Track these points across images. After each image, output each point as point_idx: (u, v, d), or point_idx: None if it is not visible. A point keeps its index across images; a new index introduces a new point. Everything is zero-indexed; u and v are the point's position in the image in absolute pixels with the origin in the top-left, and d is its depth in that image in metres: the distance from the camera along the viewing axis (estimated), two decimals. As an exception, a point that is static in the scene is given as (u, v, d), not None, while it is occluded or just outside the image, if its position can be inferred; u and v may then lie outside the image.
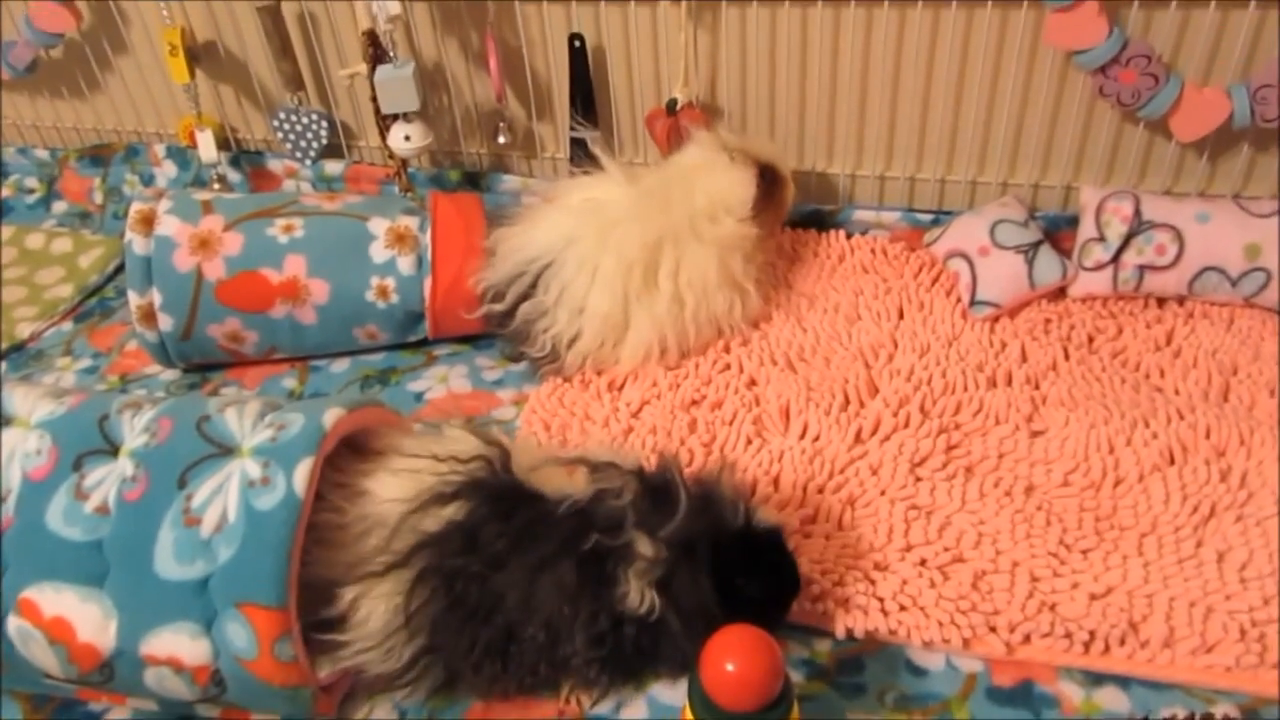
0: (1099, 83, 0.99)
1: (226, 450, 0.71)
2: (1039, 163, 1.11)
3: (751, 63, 1.12)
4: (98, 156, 1.38)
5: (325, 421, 0.72)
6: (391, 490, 0.73)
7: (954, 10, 1.02)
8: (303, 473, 0.69)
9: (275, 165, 1.32)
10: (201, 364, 1.07)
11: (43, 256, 1.28)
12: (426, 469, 0.74)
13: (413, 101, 1.09)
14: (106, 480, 0.71)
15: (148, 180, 1.36)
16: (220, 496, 0.69)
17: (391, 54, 1.08)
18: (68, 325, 1.17)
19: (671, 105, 1.13)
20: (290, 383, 1.06)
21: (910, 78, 1.08)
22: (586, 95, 1.16)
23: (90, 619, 0.69)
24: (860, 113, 1.13)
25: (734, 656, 0.59)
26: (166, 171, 1.35)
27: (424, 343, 1.10)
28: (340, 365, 1.08)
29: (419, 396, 1.03)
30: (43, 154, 1.40)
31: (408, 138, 1.13)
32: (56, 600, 0.70)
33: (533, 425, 0.96)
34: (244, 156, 1.32)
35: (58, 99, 1.40)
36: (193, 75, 1.24)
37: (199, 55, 1.26)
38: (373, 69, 1.12)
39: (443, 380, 1.05)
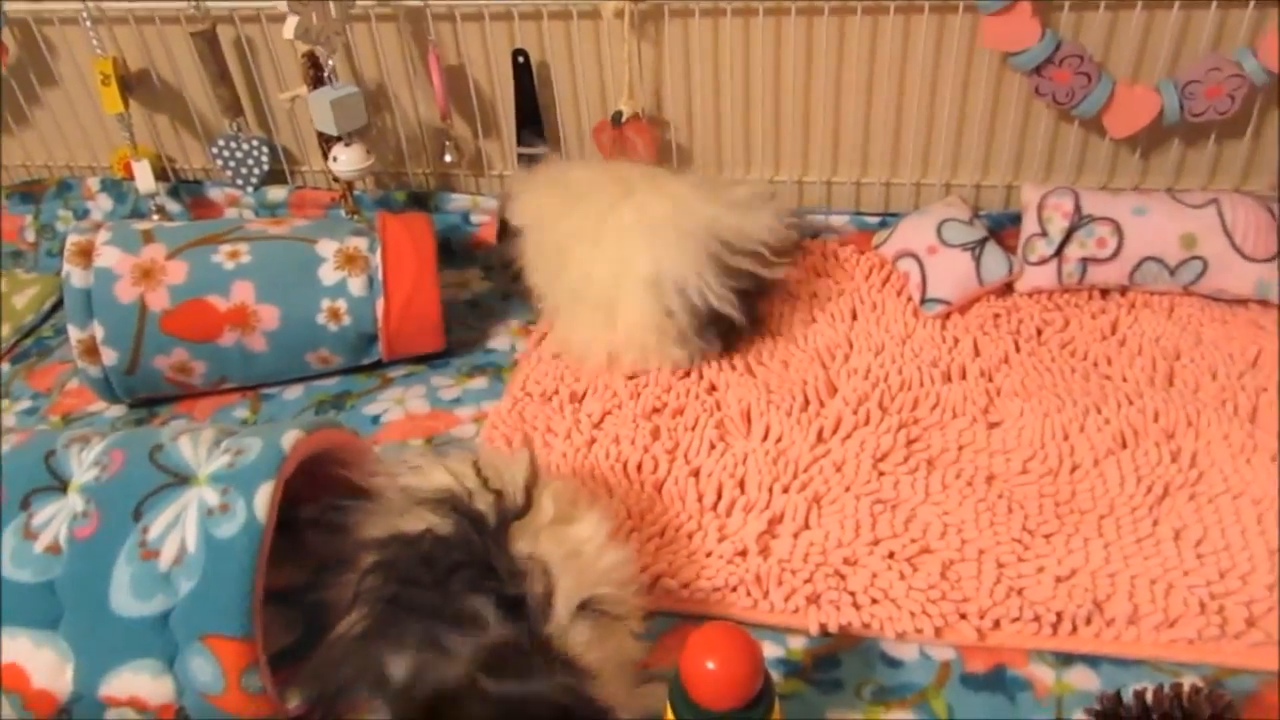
0: (1035, 83, 1.02)
1: (182, 479, 0.69)
2: (980, 163, 1.13)
3: (696, 74, 1.13)
4: (28, 193, 1.34)
5: (284, 444, 0.71)
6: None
7: (892, 17, 1.04)
8: (263, 497, 0.67)
9: (216, 194, 1.29)
10: (148, 398, 1.04)
11: (-26, 297, 1.24)
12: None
13: (333, 124, 1.07)
14: (56, 518, 0.69)
15: (81, 215, 1.32)
16: (178, 527, 0.67)
17: (328, 76, 1.07)
18: (4, 366, 1.13)
19: (617, 117, 1.13)
20: (242, 413, 1.04)
21: (852, 84, 1.11)
22: (533, 111, 1.17)
23: (45, 664, 0.67)
24: (805, 119, 1.14)
25: (714, 654, 0.59)
26: (102, 205, 1.31)
27: (378, 365, 1.08)
28: (293, 392, 1.06)
29: (375, 419, 1.01)
30: (-30, 192, 1.36)
31: (336, 159, 1.11)
32: (9, 646, 0.67)
33: (494, 440, 0.95)
34: (183, 186, 1.30)
35: (-15, 135, 1.36)
36: (126, 105, 1.21)
37: (132, 85, 1.24)
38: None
39: (399, 402, 1.03)
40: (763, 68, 1.11)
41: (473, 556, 0.66)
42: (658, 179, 1.04)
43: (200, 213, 1.30)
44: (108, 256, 0.98)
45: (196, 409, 1.04)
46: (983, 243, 1.05)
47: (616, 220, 0.99)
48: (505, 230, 1.13)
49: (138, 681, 0.66)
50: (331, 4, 1.03)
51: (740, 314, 0.99)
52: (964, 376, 0.97)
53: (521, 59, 1.13)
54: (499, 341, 1.12)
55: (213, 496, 0.68)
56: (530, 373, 1.04)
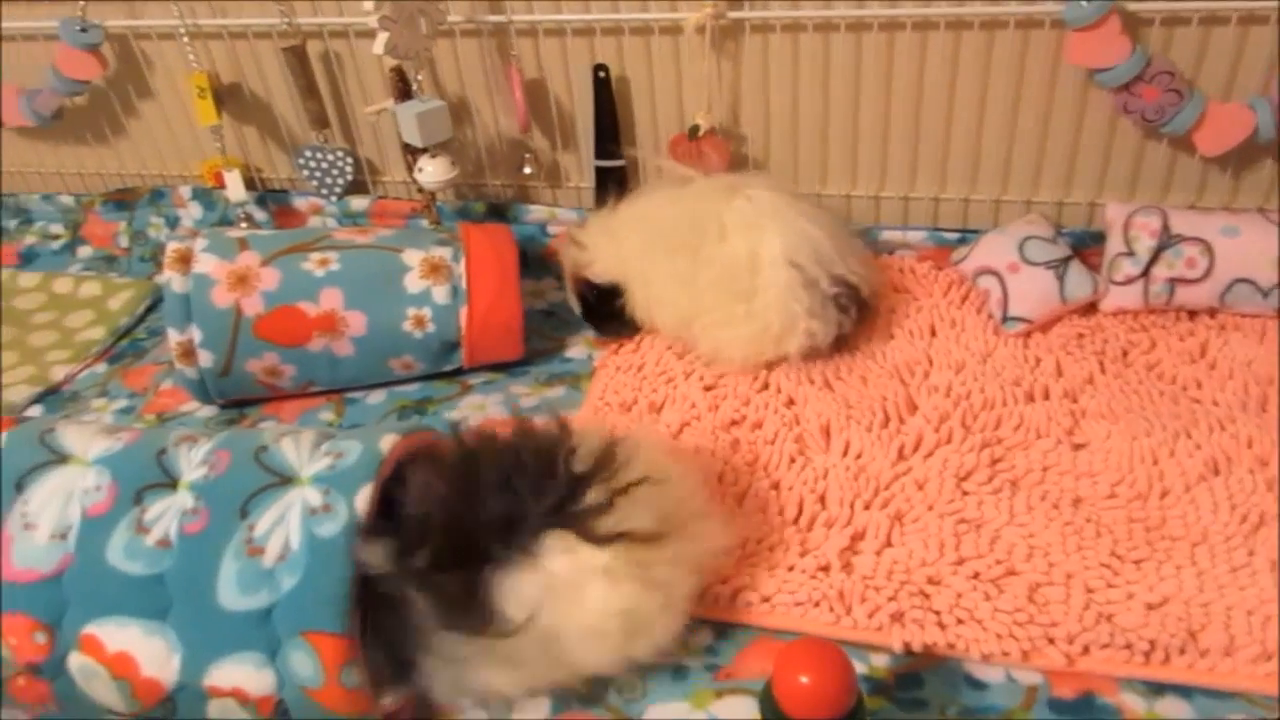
0: (1122, 100, 1.01)
1: (285, 480, 0.71)
2: (1062, 180, 1.12)
3: (774, 88, 1.14)
4: (122, 201, 1.39)
5: (382, 447, 0.73)
6: None
7: (976, 32, 1.04)
8: (363, 498, 0.69)
9: (300, 203, 1.33)
10: (239, 400, 1.07)
11: (71, 301, 1.28)
12: None
13: (419, 137, 1.10)
14: (167, 514, 0.71)
15: (173, 222, 1.37)
16: (282, 526, 0.69)
17: (415, 89, 1.10)
18: (101, 367, 1.18)
19: (694, 131, 1.14)
20: (327, 415, 1.06)
21: (933, 99, 1.10)
22: (610, 124, 1.18)
23: (153, 653, 0.69)
24: (884, 135, 1.14)
25: (808, 669, 0.59)
26: (192, 213, 1.36)
27: (457, 372, 1.10)
28: (376, 397, 1.08)
29: (456, 426, 1.03)
30: (67, 200, 1.42)
31: (422, 170, 1.14)
32: (120, 635, 0.70)
33: (574, 451, 0.96)
34: (269, 195, 1.34)
35: (81, 145, 1.42)
36: (219, 117, 1.25)
37: (224, 97, 1.28)
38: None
39: (479, 409, 1.05)
40: (842, 82, 1.11)
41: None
42: (747, 181, 1.06)
43: (284, 221, 1.34)
44: (205, 263, 1.01)
45: (283, 411, 1.07)
46: (1066, 261, 1.04)
47: (733, 215, 1.01)
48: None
49: (241, 673, 0.68)
50: (421, 20, 1.06)
51: (857, 297, 1.02)
52: (1047, 397, 0.96)
53: (602, 73, 1.15)
54: (575, 351, 1.13)
55: (315, 497, 0.70)
56: (609, 382, 1.05)
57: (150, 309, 1.27)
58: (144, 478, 0.73)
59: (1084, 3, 0.96)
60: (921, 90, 1.10)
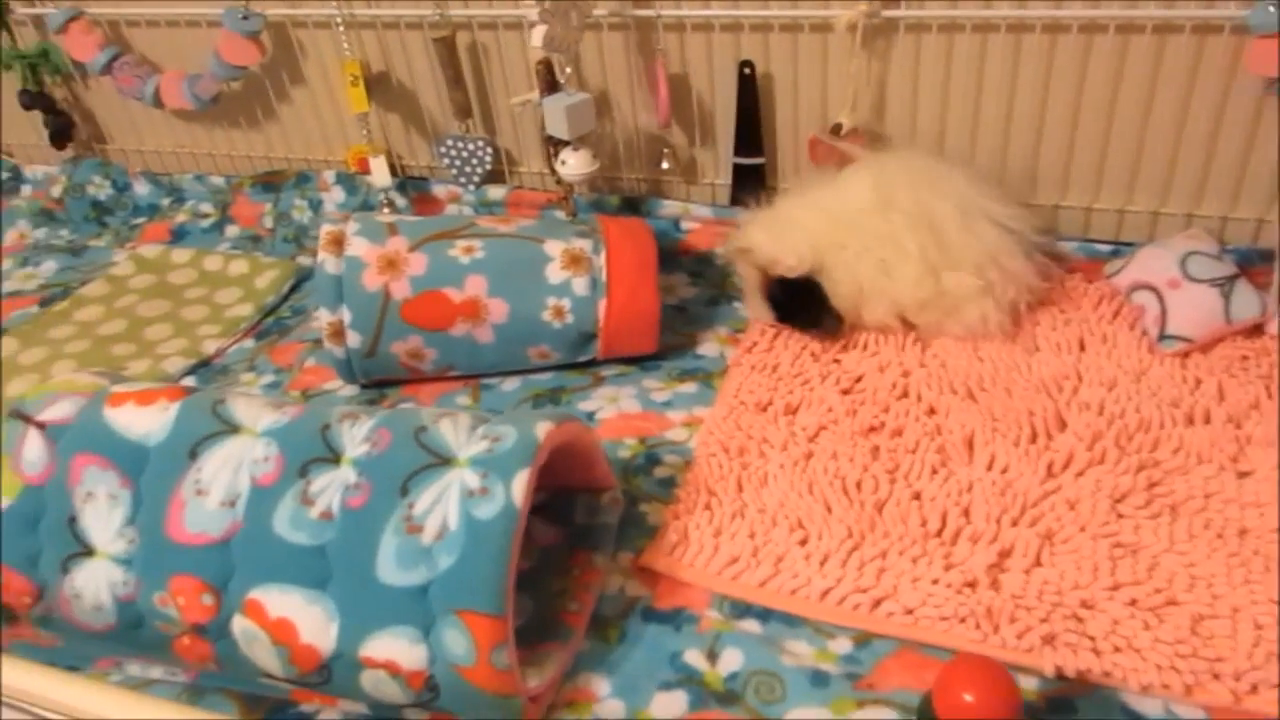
0: (1303, 111, 0.95)
1: (444, 460, 0.73)
2: (1228, 194, 1.07)
3: (923, 89, 1.11)
4: (269, 183, 1.45)
5: (538, 434, 0.74)
6: None
7: (1147, 36, 1.00)
8: (520, 484, 0.70)
9: (439, 190, 1.36)
10: (381, 380, 1.10)
11: (221, 278, 1.34)
12: None
13: (566, 129, 1.11)
14: (330, 487, 0.74)
15: (315, 205, 1.41)
16: (440, 505, 0.71)
17: (562, 83, 1.11)
18: (249, 342, 1.23)
19: (837, 129, 1.13)
20: (463, 400, 1.09)
21: (1093, 104, 1.06)
22: (752, 121, 1.18)
23: (313, 621, 0.72)
24: (1036, 139, 1.11)
25: (971, 687, 0.58)
26: (334, 197, 1.40)
27: (590, 364, 1.11)
28: (510, 384, 1.10)
29: (590, 416, 1.04)
30: (218, 181, 1.48)
31: (565, 163, 1.15)
32: (282, 602, 0.72)
33: (709, 447, 0.96)
34: (409, 182, 1.37)
35: (233, 129, 1.48)
36: (369, 105, 1.29)
37: (371, 85, 1.32)
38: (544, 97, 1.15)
39: (613, 401, 1.06)
40: (997, 84, 1.08)
41: None
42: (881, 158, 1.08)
43: (422, 208, 1.37)
44: (357, 246, 1.04)
45: (421, 393, 1.10)
46: (1233, 279, 0.99)
47: (890, 183, 1.02)
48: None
49: (395, 646, 0.70)
50: (572, 13, 1.07)
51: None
52: (1208, 420, 0.92)
53: (747, 70, 1.14)
54: (707, 348, 1.13)
55: (473, 479, 0.71)
56: (743, 381, 1.04)
57: (294, 288, 1.32)
58: (309, 451, 0.75)
59: (1271, 8, 0.91)
60: (1081, 95, 1.06)
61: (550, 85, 1.14)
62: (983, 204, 1.02)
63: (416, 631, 0.70)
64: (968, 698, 0.58)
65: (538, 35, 1.04)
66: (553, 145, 1.17)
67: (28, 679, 0.69)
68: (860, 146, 1.12)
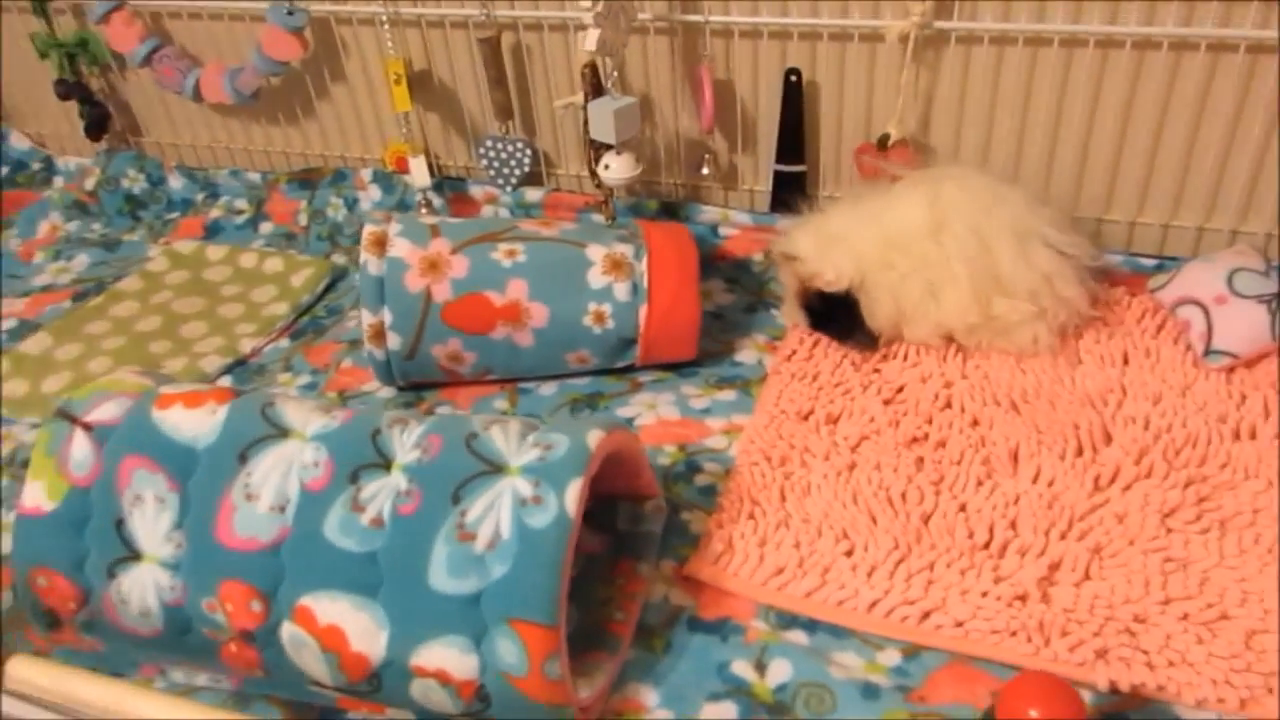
0: (1357, 127, 0.95)
1: (496, 468, 0.73)
2: (1273, 211, 1.06)
3: (971, 102, 1.11)
4: (306, 180, 1.45)
5: (590, 443, 0.74)
6: None
7: (1201, 54, 0.99)
8: (573, 493, 0.70)
9: (476, 191, 1.36)
10: (418, 383, 1.10)
11: (256, 275, 1.34)
12: None
13: (613, 134, 1.11)
14: (381, 494, 0.73)
15: (351, 204, 1.42)
16: (492, 513, 0.71)
17: (609, 86, 1.11)
18: (284, 341, 1.23)
19: (884, 140, 1.12)
20: (501, 404, 1.09)
21: (1142, 119, 1.06)
22: (796, 129, 1.17)
23: (363, 629, 0.71)
24: (1082, 153, 1.10)
25: (1037, 703, 0.58)
26: (371, 195, 1.41)
27: (628, 370, 1.11)
28: (548, 389, 1.10)
29: (629, 422, 1.04)
30: (254, 177, 1.48)
31: (608, 167, 1.15)
32: (332, 609, 0.72)
33: (751, 455, 0.96)
34: (446, 182, 1.37)
35: (271, 124, 1.48)
36: (411, 104, 1.29)
37: (412, 84, 1.32)
38: (587, 100, 1.15)
39: (651, 407, 1.06)
40: (1045, 98, 1.08)
41: None
42: (941, 176, 1.06)
43: (459, 208, 1.37)
44: (399, 248, 1.04)
45: (459, 397, 1.10)
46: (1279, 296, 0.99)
47: (945, 204, 1.01)
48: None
49: (446, 655, 0.70)
50: (621, 17, 1.06)
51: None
52: (1254, 436, 0.91)
53: (794, 78, 1.14)
54: (745, 355, 1.13)
55: (526, 487, 0.71)
56: (783, 390, 1.04)
57: (329, 287, 1.32)
58: (360, 457, 0.75)
59: (1326, 22, 0.91)
60: (1130, 110, 1.06)
61: (595, 88, 1.14)
62: (1040, 229, 1.01)
63: (468, 640, 0.70)
64: (1033, 714, 0.57)
65: (591, 39, 1.04)
66: (595, 149, 1.17)
67: (72, 684, 0.70)
68: (905, 162, 1.12)
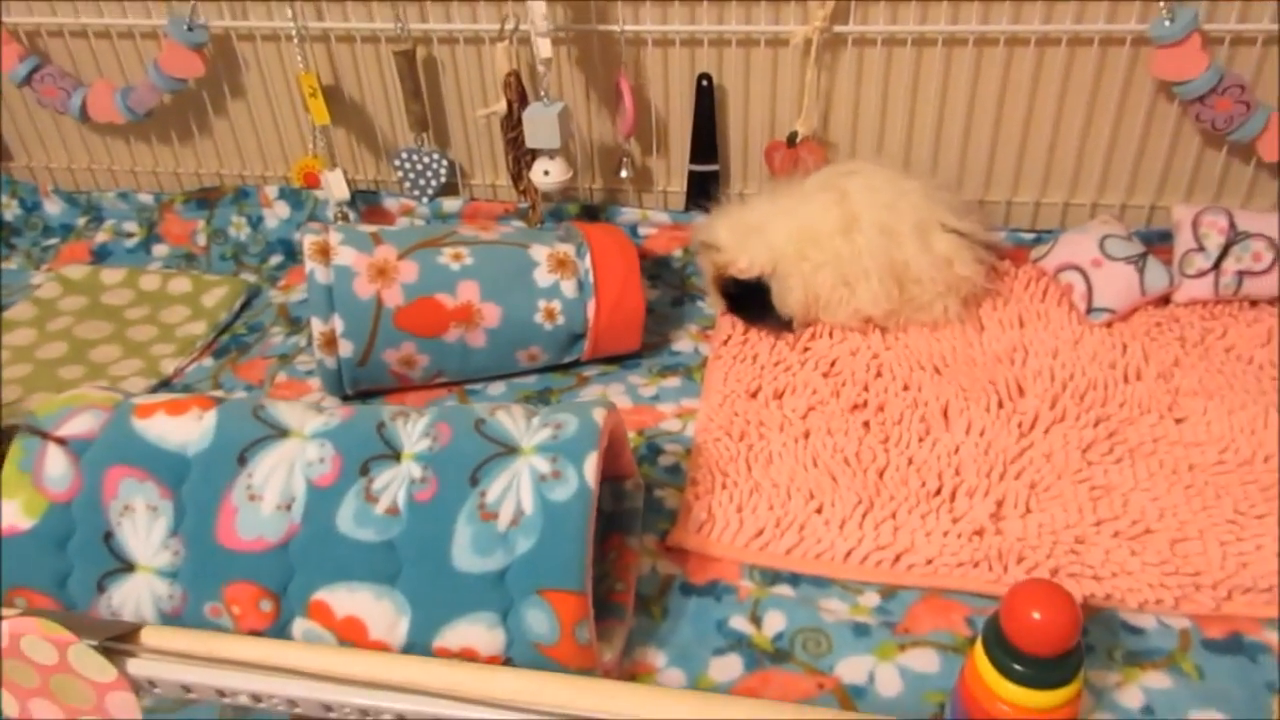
0: (1196, 110, 1.11)
1: (510, 449, 0.75)
2: (1127, 184, 1.22)
3: (864, 98, 1.22)
4: (204, 199, 1.40)
5: (597, 419, 0.77)
6: None
7: (1061, 48, 1.14)
8: (591, 465, 0.73)
9: (391, 203, 1.36)
10: (367, 390, 1.09)
11: (162, 297, 1.29)
12: None
13: (558, 138, 1.15)
14: (394, 483, 0.74)
15: (255, 222, 1.38)
16: (512, 491, 0.73)
17: (543, 94, 1.14)
18: (208, 360, 1.19)
19: (792, 138, 1.21)
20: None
21: (1013, 109, 1.19)
22: (708, 131, 1.24)
23: (383, 617, 0.72)
24: (964, 141, 1.23)
25: (1039, 606, 0.65)
26: (278, 212, 1.38)
27: (574, 365, 1.14)
28: (496, 388, 1.12)
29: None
30: (146, 198, 1.42)
31: (548, 173, 1.18)
32: (350, 600, 0.72)
33: (712, 433, 1.01)
34: (358, 195, 1.36)
35: (162, 144, 1.42)
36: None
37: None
38: (511, 109, 1.18)
39: (602, 397, 1.09)
40: (929, 93, 1.20)
41: None
42: (849, 172, 1.14)
43: (373, 220, 1.36)
44: (345, 255, 1.04)
45: (408, 401, 1.10)
46: (1144, 256, 1.13)
47: (854, 205, 1.09)
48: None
49: (473, 633, 0.71)
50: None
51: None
52: (1139, 378, 1.05)
53: (705, 82, 1.21)
54: (682, 345, 1.19)
55: (543, 464, 0.74)
56: (727, 372, 1.10)
57: (245, 305, 1.28)
58: (369, 449, 0.75)
59: (1167, 23, 1.06)
60: (1003, 101, 1.19)
61: (521, 97, 1.17)
62: (939, 216, 1.11)
63: (495, 616, 0.72)
64: (1036, 615, 0.65)
65: (545, 47, 1.08)
66: (524, 156, 1.20)
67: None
68: (815, 157, 1.21)
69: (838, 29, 1.16)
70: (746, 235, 1.12)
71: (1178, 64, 1.08)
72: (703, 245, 1.16)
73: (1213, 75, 1.08)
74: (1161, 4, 1.07)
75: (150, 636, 0.69)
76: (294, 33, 1.23)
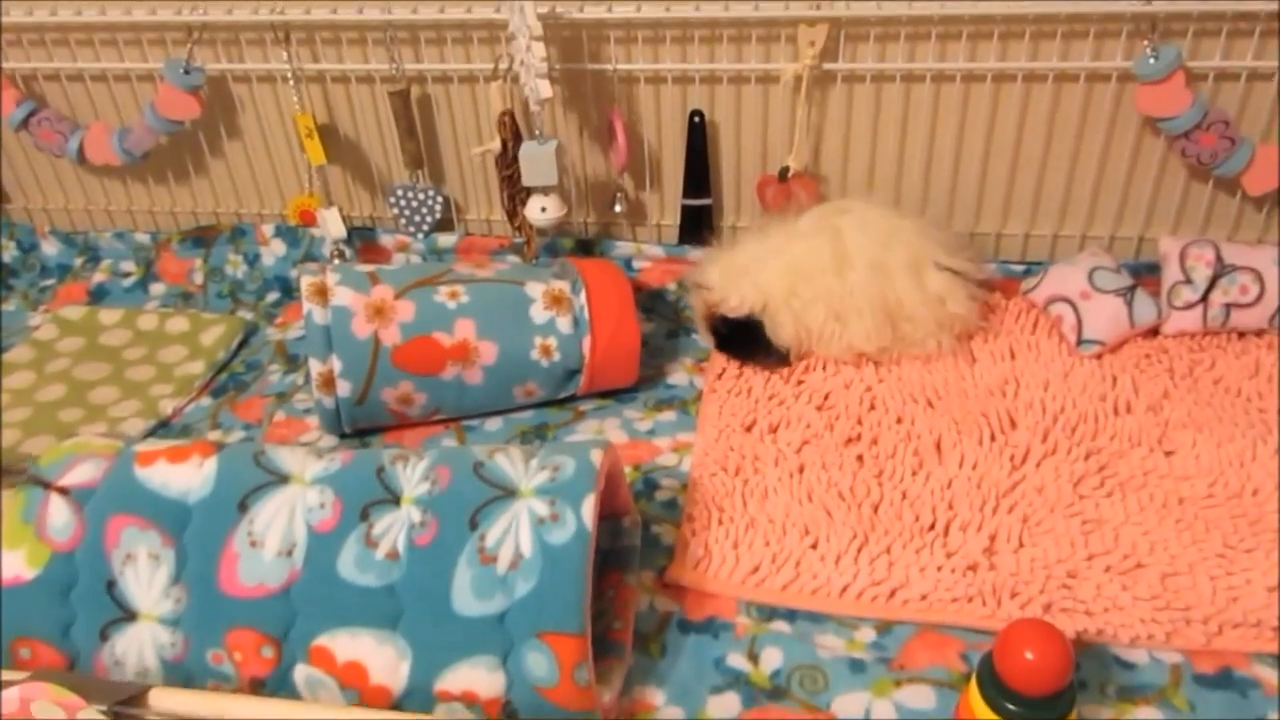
0: (1181, 145, 1.13)
1: (509, 492, 0.76)
2: (1115, 217, 1.24)
3: (855, 133, 1.23)
4: (200, 238, 1.41)
5: (594, 461, 0.78)
6: None
7: (1048, 84, 1.16)
8: (589, 507, 0.74)
9: (386, 240, 1.37)
10: (365, 429, 1.10)
11: (160, 336, 1.30)
12: None
13: (554, 175, 1.16)
14: (394, 528, 0.75)
15: (252, 260, 1.39)
16: (511, 535, 0.74)
17: (538, 132, 1.16)
18: (206, 400, 1.19)
19: (784, 173, 1.23)
20: (449, 442, 1.10)
21: (1001, 143, 1.21)
22: (701, 166, 1.26)
23: (384, 661, 0.73)
24: (954, 174, 1.25)
25: (1032, 646, 0.66)
26: (274, 250, 1.39)
27: (570, 399, 1.15)
28: (493, 424, 1.13)
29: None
30: (142, 238, 1.43)
31: (544, 209, 1.20)
32: (352, 645, 0.73)
33: (708, 468, 1.02)
34: (355, 232, 1.37)
35: (158, 184, 1.43)
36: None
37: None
38: (506, 147, 1.20)
39: (598, 433, 1.10)
40: (918, 128, 1.22)
41: None
42: (842, 210, 1.15)
43: (370, 257, 1.37)
44: (342, 295, 1.05)
45: (405, 439, 1.11)
46: (1132, 289, 1.15)
47: (847, 243, 1.11)
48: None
49: (473, 676, 0.72)
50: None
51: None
52: (1130, 410, 1.06)
53: (697, 118, 1.23)
54: (676, 378, 1.20)
55: (542, 507, 0.74)
56: (722, 406, 1.11)
57: (243, 344, 1.29)
58: (368, 494, 0.76)
59: (1152, 60, 1.08)
60: (992, 135, 1.21)
61: (516, 135, 1.19)
62: (932, 254, 1.13)
63: (494, 659, 0.72)
64: (1029, 655, 0.66)
65: (545, 88, 1.10)
66: (522, 193, 1.22)
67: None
68: (807, 191, 1.23)
69: (828, 66, 1.18)
70: (736, 275, 1.13)
71: (1162, 101, 1.10)
72: (694, 286, 1.17)
73: (1197, 111, 1.10)
74: (1146, 41, 1.09)
75: (159, 699, 0.69)
76: (289, 74, 1.24)
